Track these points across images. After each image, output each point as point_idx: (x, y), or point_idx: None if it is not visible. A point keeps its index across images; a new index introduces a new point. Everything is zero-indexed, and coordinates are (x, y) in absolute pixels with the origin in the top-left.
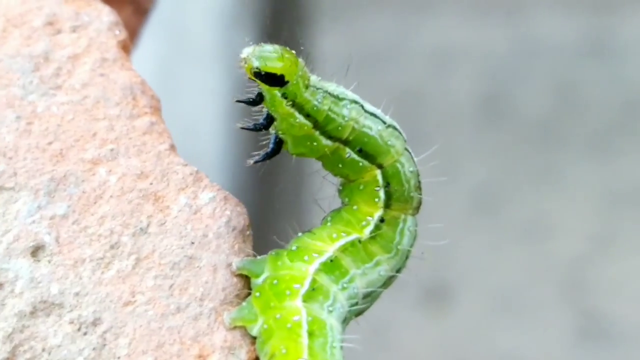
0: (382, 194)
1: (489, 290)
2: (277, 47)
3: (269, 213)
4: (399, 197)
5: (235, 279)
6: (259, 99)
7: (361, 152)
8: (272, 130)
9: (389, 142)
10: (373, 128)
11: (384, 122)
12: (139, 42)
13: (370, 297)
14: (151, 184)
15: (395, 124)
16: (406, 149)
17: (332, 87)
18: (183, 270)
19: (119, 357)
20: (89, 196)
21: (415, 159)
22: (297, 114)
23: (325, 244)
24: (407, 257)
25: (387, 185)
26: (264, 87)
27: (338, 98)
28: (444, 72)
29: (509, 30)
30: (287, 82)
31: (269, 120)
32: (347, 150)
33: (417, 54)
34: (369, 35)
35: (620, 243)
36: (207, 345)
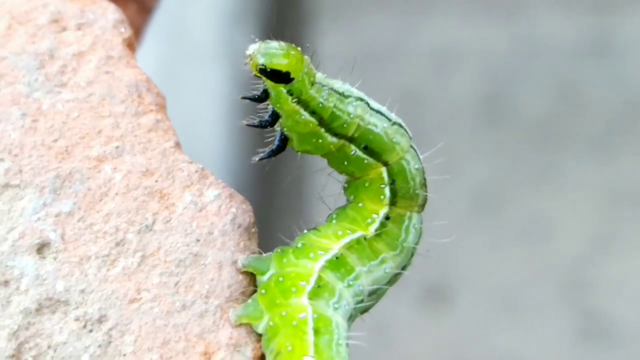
0: (387, 191)
1: (490, 289)
2: (282, 43)
3: (274, 210)
4: (405, 194)
5: (240, 276)
6: (264, 96)
7: (366, 150)
8: (277, 127)
9: (395, 140)
10: (378, 125)
11: (390, 120)
12: (142, 40)
13: (375, 295)
14: (156, 181)
15: (400, 121)
16: (411, 147)
17: (338, 84)
18: (188, 268)
19: (124, 354)
20: (95, 193)
21: (420, 157)
22: (302, 111)
23: (331, 242)
24: (412, 255)
25: (392, 182)
26: (270, 84)
27: (343, 95)
28: (445, 72)
29: (510, 30)
30: (293, 79)
31: (274, 117)
32: (353, 147)
33: (417, 53)
34: (369, 35)
35: (621, 243)
36: (212, 343)
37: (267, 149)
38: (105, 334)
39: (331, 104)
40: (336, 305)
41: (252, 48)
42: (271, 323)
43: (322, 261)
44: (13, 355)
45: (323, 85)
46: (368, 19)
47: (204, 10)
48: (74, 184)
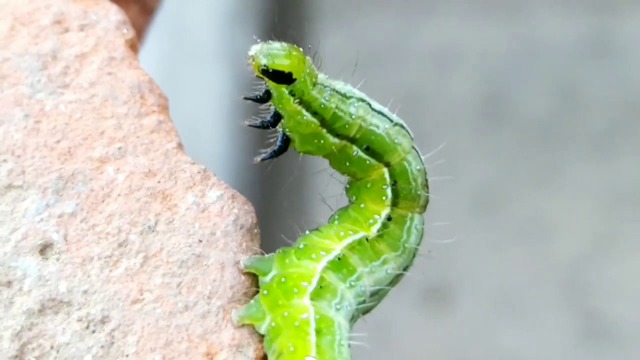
0: (389, 192)
1: (490, 290)
2: (284, 44)
3: (276, 211)
4: (406, 195)
5: (243, 277)
6: (266, 97)
7: (368, 150)
8: (279, 128)
9: (396, 140)
10: (380, 126)
11: (391, 121)
12: (144, 41)
13: (377, 295)
14: (159, 182)
15: (402, 122)
16: (413, 147)
17: (340, 85)
18: (191, 269)
19: (127, 355)
20: (97, 194)
21: (422, 157)
22: (304, 112)
23: (333, 242)
24: (414, 255)
25: (394, 183)
26: (272, 85)
27: (345, 96)
28: (445, 72)
29: (510, 31)
30: (295, 79)
31: (276, 118)
32: (354, 148)
33: (418, 54)
34: (370, 35)
35: (621, 243)
36: (215, 343)
37: (269, 150)
38: (107, 334)
39: (333, 105)
40: (338, 306)
41: (255, 49)
42: (273, 324)
43: (324, 262)
44: (16, 356)
45: (325, 86)
46: (369, 19)
47: (206, 11)
48: (77, 185)
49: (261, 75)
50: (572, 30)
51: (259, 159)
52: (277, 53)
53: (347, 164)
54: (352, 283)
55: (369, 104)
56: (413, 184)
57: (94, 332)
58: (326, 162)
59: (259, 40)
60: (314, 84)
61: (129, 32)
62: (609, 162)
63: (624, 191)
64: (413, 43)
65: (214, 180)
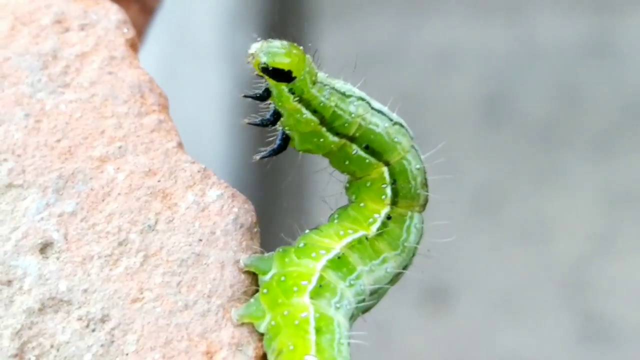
0: (388, 191)
1: (490, 290)
2: (285, 42)
3: (276, 210)
4: (406, 194)
5: (242, 276)
6: (266, 95)
7: (368, 149)
8: (278, 126)
9: (396, 139)
10: (380, 125)
11: (391, 120)
12: (144, 40)
13: (377, 294)
14: (159, 181)
15: (402, 121)
16: (413, 146)
17: (339, 84)
18: (191, 267)
19: (127, 354)
20: (97, 193)
21: (421, 156)
22: (304, 110)
23: (333, 241)
24: (413, 254)
25: (393, 182)
26: (272, 83)
27: (345, 95)
28: (445, 72)
29: (511, 31)
30: (295, 77)
31: (276, 116)
32: (354, 147)
33: (418, 54)
34: (370, 35)
35: (621, 244)
36: (214, 342)
37: (269, 148)
38: (107, 333)
39: (332, 103)
40: (338, 305)
41: (255, 47)
42: (273, 322)
43: (323, 261)
44: (16, 355)
45: (325, 85)
46: (369, 20)
47: (206, 10)
48: (77, 184)
49: (261, 74)
50: (572, 31)
51: (258, 157)
52: (277, 51)
53: (347, 162)
54: (352, 282)
55: (369, 103)
56: (412, 182)
57: (94, 330)
58: (326, 161)
59: (259, 39)
60: (314, 83)
61: (129, 32)
62: (609, 162)
63: (624, 191)
64: (413, 43)
65: (214, 179)
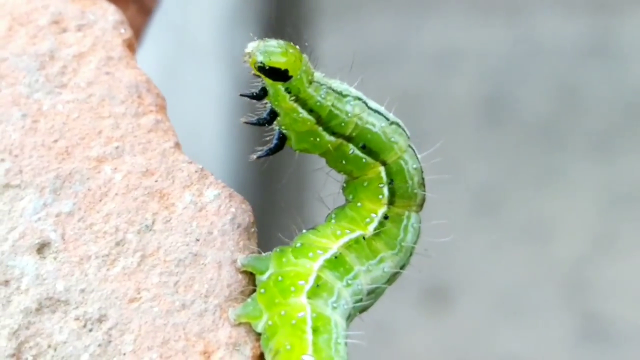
0: (385, 190)
1: (490, 290)
2: (281, 42)
3: (273, 210)
4: (403, 193)
5: (240, 276)
6: (262, 94)
7: (364, 149)
8: (275, 125)
9: (393, 139)
10: (376, 125)
11: (388, 119)
12: (142, 41)
13: (374, 294)
14: (156, 181)
15: (398, 121)
16: (410, 146)
17: (336, 83)
18: (188, 267)
19: (124, 354)
20: (95, 194)
21: (418, 156)
22: (300, 109)
23: (330, 241)
24: (411, 254)
25: (390, 182)
26: (268, 82)
27: (341, 94)
28: (445, 73)
29: (511, 32)
30: (291, 76)
31: (273, 115)
32: (351, 146)
33: (418, 54)
34: (370, 35)
35: (621, 244)
36: (212, 342)
37: (265, 148)
38: (105, 333)
39: (329, 103)
40: (335, 305)
41: (251, 46)
42: (270, 322)
43: (321, 260)
44: (13, 355)
45: (321, 84)
46: (369, 20)
47: (204, 11)
48: (74, 184)
49: (258, 73)
50: (572, 31)
51: (255, 156)
52: (273, 50)
53: (344, 162)
54: (349, 281)
55: (365, 103)
56: (410, 182)
57: (91, 330)
58: (323, 161)
59: (255, 38)
60: (310, 82)
61: (126, 32)
62: (609, 162)
63: (624, 191)
64: (413, 43)
65: (211, 179)
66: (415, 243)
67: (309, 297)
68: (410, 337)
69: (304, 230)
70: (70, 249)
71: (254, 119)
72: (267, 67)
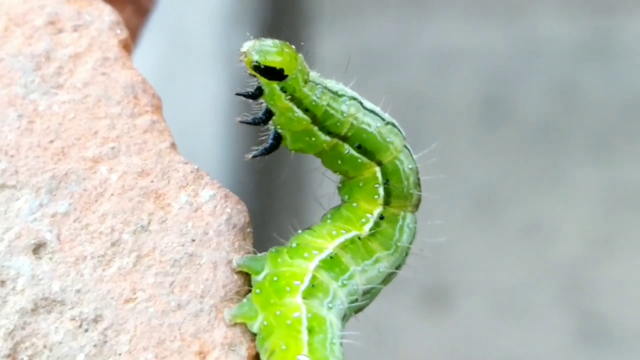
0: (381, 191)
1: (489, 292)
2: (277, 41)
3: (269, 211)
4: (399, 194)
5: (235, 276)
6: (257, 93)
7: (360, 149)
8: (271, 125)
9: (388, 139)
10: (372, 125)
11: (383, 119)
12: (139, 42)
13: (370, 294)
14: (152, 181)
15: (394, 121)
16: (405, 146)
17: (332, 83)
18: (184, 268)
19: (119, 354)
20: (90, 194)
21: (414, 156)
22: (295, 108)
23: (325, 241)
24: (406, 254)
25: (386, 182)
26: (264, 81)
27: (337, 94)
28: (445, 74)
29: (509, 32)
30: (286, 76)
31: (268, 114)
32: (346, 146)
33: (417, 55)
34: (369, 37)
35: (621, 245)
36: (207, 342)
37: (261, 147)
38: (100, 333)
39: (324, 102)
40: (330, 305)
41: (247, 45)
42: (265, 322)
43: (316, 261)
44: (9, 355)
45: (316, 84)
46: (368, 21)
47: (201, 12)
48: (70, 184)
49: (253, 72)
50: (571, 32)
51: (250, 155)
52: (269, 50)
53: (339, 162)
54: (345, 282)
55: (361, 103)
56: (405, 182)
57: (86, 331)
58: (319, 161)
59: (252, 38)
60: (306, 81)
61: (122, 33)
62: (608, 163)
63: (623, 193)
64: (413, 45)
65: (206, 179)
66: (410, 243)
67: (304, 298)
68: (410, 337)
69: (300, 231)
70: (66, 250)
71: (249, 118)
72: (262, 67)
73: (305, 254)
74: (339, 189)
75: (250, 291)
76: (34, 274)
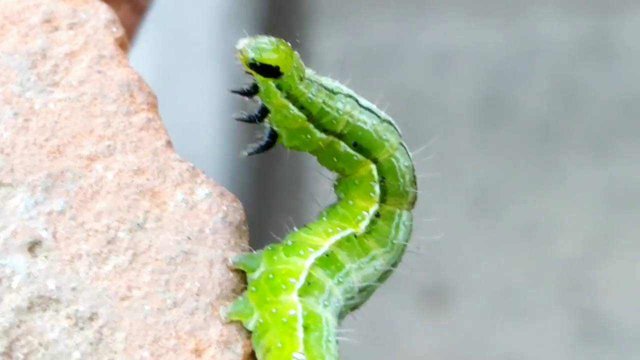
0: (377, 188)
1: (488, 291)
2: (272, 39)
3: (265, 209)
4: (395, 191)
5: (231, 274)
6: (253, 90)
7: (356, 146)
8: (266, 122)
9: (384, 137)
10: (368, 122)
11: (379, 117)
12: (136, 40)
13: (366, 292)
14: (148, 179)
15: (390, 119)
16: (401, 144)
17: (327, 81)
18: (179, 266)
19: (115, 352)
20: (86, 192)
21: (410, 154)
22: (291, 106)
23: (321, 239)
24: (402, 252)
25: (382, 180)
26: (259, 79)
27: (333, 92)
28: (444, 73)
29: (509, 32)
30: (282, 73)
31: (264, 112)
32: (342, 144)
33: (416, 54)
34: (369, 36)
35: (620, 244)
36: (203, 340)
37: (256, 145)
38: (96, 331)
39: (320, 100)
40: (326, 302)
41: (243, 42)
42: (261, 320)
43: (312, 258)
44: (4, 353)
45: (312, 81)
46: (367, 20)
47: (199, 10)
48: (66, 182)
49: (249, 69)
50: (571, 31)
51: (245, 153)
52: (264, 47)
53: (335, 160)
54: (340, 279)
55: (357, 100)
56: (401, 180)
57: (82, 329)
58: (315, 159)
59: (247, 35)
60: (301, 79)
61: (118, 31)
62: (608, 162)
63: (623, 192)
64: (412, 44)
65: (202, 177)
66: (407, 241)
67: (300, 295)
68: (409, 337)
69: (296, 229)
70: (61, 248)
71: (244, 115)
72: (258, 64)
73: (301, 252)
74: (335, 186)
75: (246, 289)
76: (29, 272)
